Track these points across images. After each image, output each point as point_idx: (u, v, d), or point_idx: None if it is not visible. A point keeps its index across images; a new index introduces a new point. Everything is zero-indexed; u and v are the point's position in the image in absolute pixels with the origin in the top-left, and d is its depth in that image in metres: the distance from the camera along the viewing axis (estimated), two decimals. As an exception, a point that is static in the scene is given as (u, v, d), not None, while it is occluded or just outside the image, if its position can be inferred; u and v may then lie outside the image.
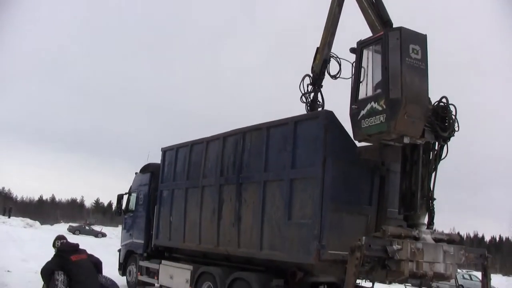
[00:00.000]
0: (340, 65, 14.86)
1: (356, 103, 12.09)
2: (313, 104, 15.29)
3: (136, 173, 22.23)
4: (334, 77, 14.94)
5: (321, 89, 15.39)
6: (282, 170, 13.33)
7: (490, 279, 13.10)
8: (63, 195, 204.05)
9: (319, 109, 15.28)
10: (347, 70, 13.81)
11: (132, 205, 21.84)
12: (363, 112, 11.79)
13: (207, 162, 16.50)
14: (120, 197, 22.53)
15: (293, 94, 15.43)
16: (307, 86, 15.29)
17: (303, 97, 15.25)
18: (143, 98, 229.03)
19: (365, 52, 12.33)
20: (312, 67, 15.19)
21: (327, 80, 15.16)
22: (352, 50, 12.78)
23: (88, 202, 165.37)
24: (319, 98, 15.33)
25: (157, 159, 20.41)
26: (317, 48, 15.15)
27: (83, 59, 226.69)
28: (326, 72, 15.06)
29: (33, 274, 21.39)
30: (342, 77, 14.69)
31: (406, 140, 11.59)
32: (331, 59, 15.00)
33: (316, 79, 15.17)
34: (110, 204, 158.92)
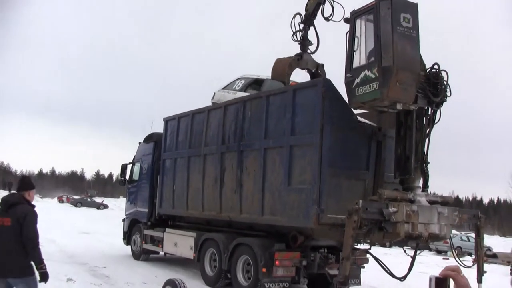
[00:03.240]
0: (333, 8, 15.13)
1: (351, 71, 12.41)
2: (303, 42, 15.79)
3: (139, 143, 22.45)
4: (327, 19, 15.23)
5: (315, 28, 15.90)
6: (282, 137, 13.68)
7: (483, 238, 13.49)
8: (63, 168, 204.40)
9: (310, 46, 15.96)
10: (339, 14, 14.29)
11: (135, 175, 22.08)
12: (357, 80, 12.12)
13: (208, 131, 16.79)
14: (124, 167, 22.73)
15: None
16: (299, 25, 15.72)
17: (294, 35, 15.74)
18: (143, 68, 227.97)
19: (358, 21, 12.61)
20: (306, 5, 15.58)
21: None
22: (346, 20, 13.02)
23: (89, 174, 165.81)
24: (314, 37, 15.92)
25: (159, 129, 20.69)
26: None
27: (84, 29, 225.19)
28: (320, 14, 15.41)
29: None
30: (333, 20, 15.01)
31: (399, 106, 11.95)
32: (326, 1, 15.29)
33: (307, 18, 15.59)
34: (110, 176, 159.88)
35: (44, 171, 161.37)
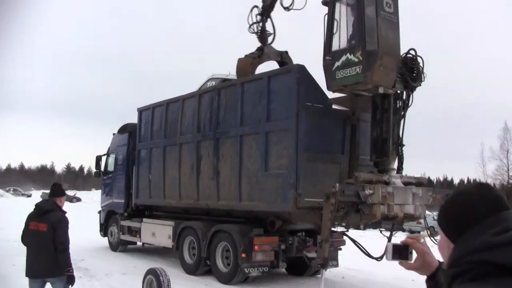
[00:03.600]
0: None
1: (330, 54, 12.55)
2: (262, 34, 15.76)
3: (113, 134, 22.33)
4: (287, 8, 15.27)
5: (271, 19, 15.84)
6: (258, 124, 13.83)
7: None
8: (32, 163, 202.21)
9: (269, 37, 15.92)
10: (300, 2, 14.47)
11: (111, 166, 21.98)
12: (337, 64, 12.27)
13: (183, 120, 16.87)
14: (98, 159, 22.58)
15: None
16: (256, 17, 15.72)
17: (250, 28, 15.73)
18: (111, 60, 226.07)
19: (337, 5, 12.75)
20: None
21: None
22: (324, 3, 13.10)
23: (59, 168, 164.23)
24: (271, 29, 15.85)
25: (133, 119, 20.70)
26: None
27: (52, 21, 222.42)
28: (279, 4, 15.38)
29: (5, 242, 21.57)
30: (294, 9, 15.12)
31: (380, 90, 12.18)
32: None
33: (266, 10, 15.57)
34: (81, 168, 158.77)
35: (12, 166, 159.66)
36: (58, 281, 8.25)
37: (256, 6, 15.63)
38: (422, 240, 2.42)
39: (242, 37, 15.84)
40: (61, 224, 8.24)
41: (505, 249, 1.75)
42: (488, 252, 1.76)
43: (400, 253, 2.55)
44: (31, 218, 8.30)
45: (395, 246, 2.57)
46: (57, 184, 9.10)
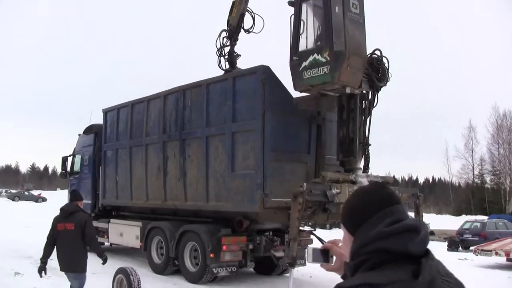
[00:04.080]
0: (254, 20, 15.38)
1: (297, 54, 12.61)
2: (230, 58, 15.68)
3: (79, 135, 22.19)
4: (247, 31, 15.44)
5: (236, 42, 15.79)
6: (224, 124, 13.88)
7: (422, 216, 13.94)
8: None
9: (238, 60, 15.82)
10: (259, 25, 14.77)
11: (77, 167, 21.83)
12: (305, 64, 12.34)
13: (149, 121, 16.88)
14: (64, 159, 22.45)
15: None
16: (223, 40, 15.70)
17: (218, 51, 15.68)
18: (78, 60, 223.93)
19: (304, 5, 12.83)
20: (228, 20, 15.53)
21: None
22: (291, 3, 13.16)
23: (24, 168, 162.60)
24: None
25: (98, 120, 20.62)
26: (233, 2, 15.44)
27: (17, 15, 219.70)
28: (241, 26, 15.47)
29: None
30: (254, 32, 15.35)
31: (347, 90, 12.28)
32: (247, 13, 15.42)
33: (233, 33, 15.56)
34: (46, 168, 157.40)
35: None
36: (79, 277, 9.39)
37: (225, 30, 15.62)
38: (340, 244, 2.50)
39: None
40: (89, 222, 9.53)
41: (398, 237, 1.93)
42: (382, 241, 1.94)
43: (321, 256, 2.67)
44: (57, 220, 9.35)
45: (315, 250, 2.70)
46: (75, 191, 10.96)
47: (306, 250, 2.61)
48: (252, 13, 15.35)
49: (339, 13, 11.95)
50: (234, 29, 15.46)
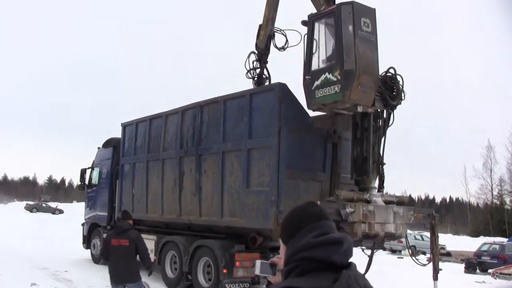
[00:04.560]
0: (286, 36, 15.41)
1: (310, 73, 12.68)
2: (259, 80, 15.67)
3: (98, 148, 22.50)
4: (282, 48, 15.46)
5: (266, 64, 15.80)
6: (240, 141, 13.92)
7: (438, 237, 13.92)
8: (14, 174, 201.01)
9: (267, 83, 15.72)
10: (295, 40, 14.47)
11: (95, 179, 22.13)
12: (317, 83, 12.41)
13: (166, 136, 16.99)
14: (83, 172, 22.79)
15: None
16: (253, 63, 15.71)
17: (248, 73, 15.68)
18: (89, 71, 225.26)
19: (316, 25, 12.91)
20: (256, 44, 15.61)
21: (275, 54, 15.66)
22: (304, 23, 13.28)
23: (41, 180, 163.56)
24: (266, 73, 15.72)
25: (117, 134, 20.83)
26: (260, 25, 15.57)
27: (28, 34, 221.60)
28: (272, 46, 15.53)
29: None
30: (290, 46, 15.31)
31: (359, 108, 12.30)
32: (276, 33, 15.50)
33: (262, 55, 15.61)
34: (63, 181, 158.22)
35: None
36: (135, 286, 10.25)
37: (254, 52, 15.66)
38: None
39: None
40: (140, 238, 10.43)
41: (323, 248, 2.28)
42: (309, 250, 2.30)
43: (269, 269, 2.91)
44: (111, 236, 10.31)
45: (264, 263, 2.95)
46: (126, 211, 11.51)
47: (255, 263, 2.79)
48: (283, 32, 15.42)
49: (349, 32, 11.99)
50: (262, 51, 15.52)
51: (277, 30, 15.50)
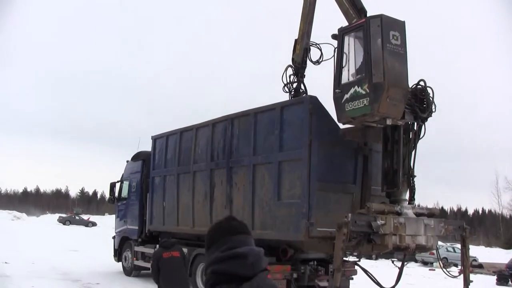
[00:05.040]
0: (321, 50, 15.38)
1: (340, 87, 12.73)
2: (296, 94, 15.59)
3: (127, 161, 22.72)
4: (317, 62, 15.43)
5: (303, 78, 15.74)
6: (270, 153, 13.98)
7: (469, 249, 13.80)
8: (47, 186, 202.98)
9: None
10: (329, 53, 14.42)
11: (124, 193, 22.35)
12: (346, 96, 12.45)
13: (197, 148, 17.09)
14: (112, 185, 23.01)
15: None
16: (289, 77, 15.67)
17: (285, 87, 15.62)
18: (121, 85, 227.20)
19: (346, 38, 12.96)
20: (293, 58, 15.58)
21: (309, 67, 15.68)
22: (334, 37, 13.36)
23: (73, 192, 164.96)
24: (302, 87, 15.62)
25: (145, 147, 21.13)
26: (295, 40, 15.60)
27: (64, 45, 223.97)
28: (308, 60, 15.48)
29: (30, 264, 21.94)
30: (324, 60, 15.21)
31: (388, 121, 12.28)
32: (311, 47, 15.49)
33: (299, 69, 15.55)
34: (95, 193, 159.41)
35: (28, 190, 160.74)
36: None
37: (291, 66, 15.62)
38: None
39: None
40: (183, 253, 11.48)
41: (230, 261, 2.56)
42: (218, 264, 2.58)
43: None
44: (162, 251, 10.79)
45: None
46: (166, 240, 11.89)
47: None
48: (318, 45, 15.43)
49: (378, 45, 12.01)
50: (299, 65, 15.48)
51: (313, 44, 15.48)
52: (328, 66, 13.85)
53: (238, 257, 2.57)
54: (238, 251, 2.59)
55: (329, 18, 14.53)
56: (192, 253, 16.52)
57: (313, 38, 15.47)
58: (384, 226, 11.63)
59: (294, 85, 15.55)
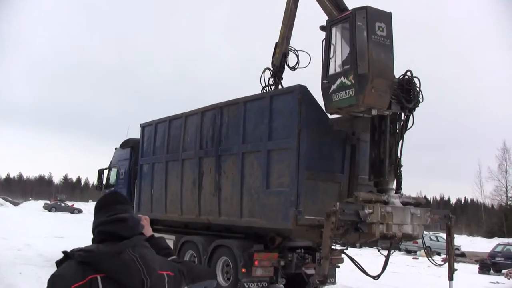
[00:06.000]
0: (298, 56, 15.80)
1: (327, 78, 12.91)
2: None
3: (115, 148, 22.73)
4: (293, 68, 15.86)
5: (281, 81, 16.17)
6: (259, 142, 14.10)
7: (454, 238, 14.01)
8: (30, 173, 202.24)
9: None
10: (305, 62, 15.02)
11: (112, 180, 22.38)
12: (333, 87, 12.61)
13: (186, 136, 17.15)
14: (100, 172, 23.07)
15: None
16: (268, 80, 16.06)
17: (263, 89, 15.94)
18: (105, 72, 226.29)
19: (333, 30, 13.12)
20: (272, 61, 16.02)
21: (286, 73, 16.02)
22: (322, 28, 13.50)
23: (57, 179, 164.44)
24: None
25: (134, 134, 21.20)
26: (276, 43, 15.98)
27: (49, 33, 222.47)
28: (285, 65, 15.94)
29: (16, 251, 21.94)
30: (300, 67, 15.72)
31: (374, 112, 12.45)
32: (290, 52, 15.89)
33: (277, 72, 15.99)
34: (78, 180, 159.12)
35: (11, 176, 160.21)
36: None
37: (269, 69, 16.07)
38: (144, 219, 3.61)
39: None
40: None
41: (113, 224, 3.07)
42: (104, 226, 3.08)
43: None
44: None
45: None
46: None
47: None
48: (296, 51, 15.75)
49: (363, 36, 12.17)
50: (277, 68, 15.90)
51: (291, 49, 15.89)
52: (304, 72, 14.14)
53: (120, 221, 3.11)
54: (120, 216, 3.14)
55: (312, 22, 14.70)
56: (180, 240, 16.68)
57: (295, 43, 15.93)
58: (372, 215, 11.81)
59: (273, 87, 15.93)
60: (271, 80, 16.05)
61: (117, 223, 3.09)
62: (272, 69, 16.02)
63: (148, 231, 3.54)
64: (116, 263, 2.91)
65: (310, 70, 15.12)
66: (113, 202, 3.25)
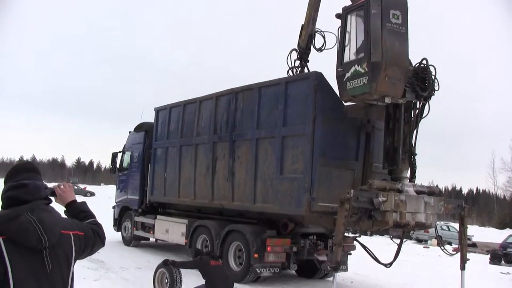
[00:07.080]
0: (324, 38, 15.58)
1: (342, 66, 12.85)
2: None
3: (130, 132, 22.78)
4: (319, 49, 15.67)
5: (307, 63, 16.02)
6: (274, 128, 14.13)
7: (467, 227, 13.99)
8: (43, 156, 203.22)
9: None
10: (332, 42, 14.66)
11: (126, 163, 22.47)
12: (347, 75, 12.56)
13: (200, 121, 17.19)
14: (114, 155, 23.11)
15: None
16: (294, 61, 15.91)
17: (290, 70, 15.84)
18: (122, 57, 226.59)
19: (349, 17, 13.04)
20: (298, 43, 15.83)
21: (313, 55, 15.88)
22: (338, 16, 13.42)
23: (69, 162, 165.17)
24: (306, 71, 15.77)
25: (149, 118, 21.24)
26: (302, 25, 15.82)
27: (61, 17, 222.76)
28: (312, 46, 15.77)
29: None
30: (326, 49, 15.44)
31: (387, 100, 12.39)
32: (316, 33, 15.71)
33: (303, 54, 15.84)
34: (91, 163, 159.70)
35: (24, 159, 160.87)
36: None
37: (295, 50, 15.90)
38: (62, 186, 4.10)
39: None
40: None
41: (16, 189, 3.43)
42: (10, 191, 3.46)
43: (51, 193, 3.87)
44: (209, 258, 10.79)
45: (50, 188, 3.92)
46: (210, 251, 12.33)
47: None
48: (322, 33, 15.59)
49: (377, 24, 12.07)
50: (303, 50, 15.77)
51: (318, 31, 15.69)
52: (331, 53, 14.01)
53: (22, 186, 3.45)
54: (22, 182, 3.47)
55: (338, 3, 14.62)
56: (193, 225, 16.77)
57: (320, 25, 15.69)
58: (385, 203, 11.78)
59: (299, 69, 15.78)
60: (297, 62, 15.91)
61: (19, 188, 3.46)
62: (298, 50, 15.90)
63: (69, 197, 4.08)
64: (14, 225, 3.25)
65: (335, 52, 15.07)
66: (21, 171, 3.63)
